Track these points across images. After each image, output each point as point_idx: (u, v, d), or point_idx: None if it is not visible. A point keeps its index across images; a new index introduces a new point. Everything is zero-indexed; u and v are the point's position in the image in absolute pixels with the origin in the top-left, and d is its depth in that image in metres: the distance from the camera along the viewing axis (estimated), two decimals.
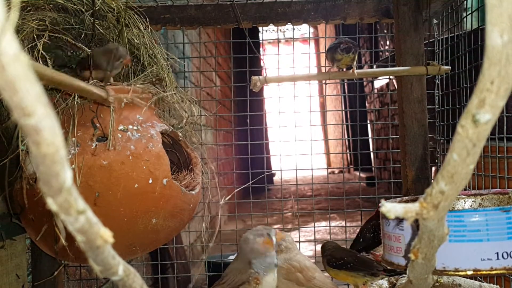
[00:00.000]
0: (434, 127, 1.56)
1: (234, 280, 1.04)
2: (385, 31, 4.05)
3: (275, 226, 1.21)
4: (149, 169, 0.93)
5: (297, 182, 1.65)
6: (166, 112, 1.13)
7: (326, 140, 8.08)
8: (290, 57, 1.61)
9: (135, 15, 1.14)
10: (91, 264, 0.39)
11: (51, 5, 1.05)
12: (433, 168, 1.64)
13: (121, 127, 0.95)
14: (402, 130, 1.26)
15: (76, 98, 0.93)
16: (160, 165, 0.95)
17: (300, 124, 1.74)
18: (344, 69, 1.18)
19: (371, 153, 5.16)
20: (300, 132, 1.71)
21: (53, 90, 0.95)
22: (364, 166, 5.57)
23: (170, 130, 1.06)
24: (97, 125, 0.94)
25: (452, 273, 0.75)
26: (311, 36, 6.72)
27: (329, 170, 6.65)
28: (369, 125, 5.47)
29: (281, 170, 1.67)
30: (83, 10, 1.07)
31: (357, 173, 5.33)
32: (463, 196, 0.98)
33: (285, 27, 1.46)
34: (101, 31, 1.10)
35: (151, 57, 1.13)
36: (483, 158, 1.30)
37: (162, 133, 1.01)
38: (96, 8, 1.06)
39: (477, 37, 1.31)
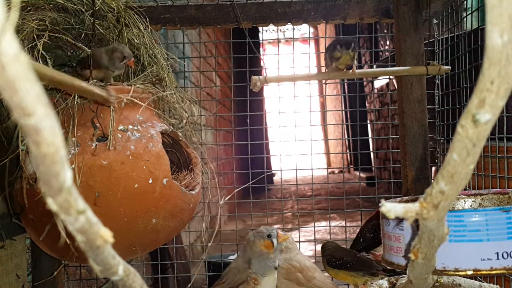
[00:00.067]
0: (434, 127, 1.56)
1: (234, 279, 1.04)
2: (385, 31, 4.05)
3: (275, 226, 1.21)
4: (149, 169, 0.93)
5: (297, 182, 1.65)
6: (166, 112, 1.13)
7: (326, 140, 8.09)
8: (290, 57, 1.61)
9: (135, 15, 1.14)
10: (91, 264, 0.39)
11: (51, 5, 1.05)
12: (433, 168, 1.64)
13: (121, 127, 0.95)
14: (402, 130, 1.26)
15: (76, 98, 0.93)
16: (160, 165, 0.95)
17: (300, 124, 1.74)
18: (344, 70, 1.16)
19: (371, 153, 5.16)
20: (300, 132, 1.71)
21: (53, 90, 0.95)
22: (364, 166, 5.57)
23: (170, 130, 1.06)
24: (97, 125, 0.94)
25: (452, 273, 0.75)
26: (311, 36, 6.72)
27: (329, 170, 6.65)
28: (369, 125, 5.47)
29: (281, 170, 1.67)
30: (83, 10, 1.07)
31: (357, 173, 5.33)
32: (463, 196, 0.98)
33: (285, 27, 1.46)
34: (101, 31, 1.10)
35: (151, 57, 1.13)
36: (483, 158, 1.30)
37: (162, 133, 1.01)
38: (96, 8, 1.06)
39: (477, 37, 1.31)
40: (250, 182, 1.51)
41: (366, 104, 5.72)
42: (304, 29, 6.86)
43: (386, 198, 1.03)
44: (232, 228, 1.89)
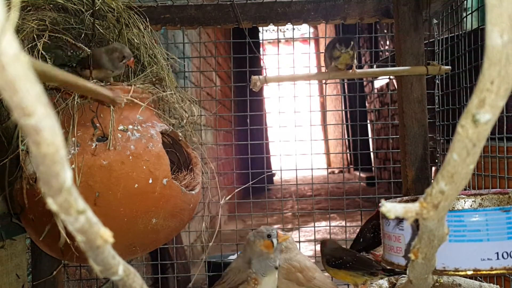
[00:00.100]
0: (434, 127, 1.56)
1: (234, 279, 1.04)
2: (385, 31, 4.05)
3: (275, 226, 1.21)
4: (149, 169, 0.93)
5: (297, 182, 1.65)
6: (166, 112, 1.13)
7: (326, 140, 8.09)
8: (290, 57, 1.61)
9: (135, 15, 1.14)
10: (91, 264, 0.39)
11: (51, 5, 1.05)
12: (433, 168, 1.64)
13: (121, 127, 0.95)
14: (402, 130, 1.26)
15: (76, 98, 0.93)
16: (160, 165, 0.95)
17: (300, 124, 1.74)
18: (344, 69, 1.16)
19: (371, 153, 5.16)
20: (300, 132, 1.71)
21: (53, 90, 0.95)
22: (364, 166, 5.57)
23: (170, 130, 1.06)
24: (97, 125, 0.94)
25: (452, 273, 0.75)
26: (311, 36, 6.72)
27: (329, 170, 6.65)
28: (369, 125, 5.47)
29: (281, 170, 1.67)
30: (83, 10, 1.07)
31: (357, 173, 5.33)
32: (463, 196, 0.98)
33: (285, 27, 1.46)
34: (101, 31, 1.10)
35: (151, 57, 1.13)
36: (483, 158, 1.30)
37: (162, 133, 1.01)
38: (96, 8, 1.06)
39: (477, 37, 1.31)
40: (250, 182, 1.51)
41: (366, 104, 5.72)
42: (304, 29, 6.86)
43: (386, 198, 1.03)
44: (232, 228, 1.89)
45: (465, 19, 1.41)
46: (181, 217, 1.02)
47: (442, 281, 1.01)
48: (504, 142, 1.23)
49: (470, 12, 1.40)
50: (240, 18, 1.35)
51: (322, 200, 3.89)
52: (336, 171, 7.13)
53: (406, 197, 1.07)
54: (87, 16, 1.07)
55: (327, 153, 8.34)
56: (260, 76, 1.15)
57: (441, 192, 0.41)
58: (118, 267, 0.41)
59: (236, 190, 1.50)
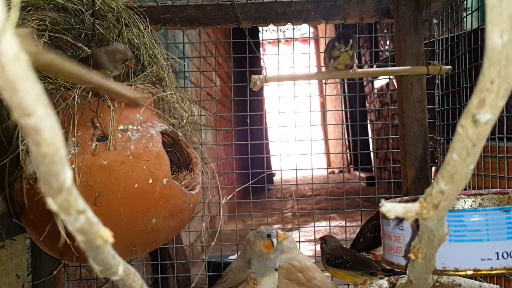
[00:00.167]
0: (434, 127, 1.56)
1: (234, 279, 1.04)
2: (385, 31, 4.05)
3: (275, 226, 1.21)
4: (149, 169, 0.93)
5: (297, 182, 1.65)
6: (166, 112, 1.13)
7: (326, 140, 8.09)
8: (290, 57, 1.61)
9: (135, 15, 1.14)
10: (91, 264, 0.39)
11: (51, 5, 1.05)
12: (433, 168, 1.64)
13: (121, 127, 0.95)
14: (402, 130, 1.26)
15: (76, 98, 0.93)
16: (160, 165, 0.95)
17: (300, 124, 1.74)
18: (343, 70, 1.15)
19: (371, 153, 5.16)
20: (300, 132, 1.71)
21: (53, 90, 0.95)
22: (364, 166, 5.57)
23: (170, 130, 1.06)
24: (97, 125, 0.94)
25: (452, 273, 0.75)
26: (311, 36, 6.72)
27: (329, 170, 6.65)
28: (369, 125, 5.47)
29: (281, 170, 1.67)
30: (83, 10, 1.07)
31: (357, 173, 5.33)
32: (463, 196, 0.98)
33: (285, 27, 1.46)
34: (101, 31, 1.10)
35: (151, 57, 1.13)
36: (483, 158, 1.30)
37: (162, 133, 1.01)
38: (96, 8, 1.06)
39: (477, 37, 1.31)
40: (250, 182, 1.51)
41: (366, 104, 5.72)
42: (304, 29, 6.85)
43: (386, 198, 1.03)
44: (232, 228, 1.89)
45: (465, 19, 1.41)
46: (181, 217, 1.02)
47: (442, 281, 1.01)
48: (504, 142, 1.23)
49: (470, 12, 1.40)
50: (240, 18, 1.35)
51: (322, 200, 3.89)
52: (336, 171, 7.13)
53: (406, 197, 1.07)
54: (87, 16, 1.07)
55: (327, 153, 8.35)
56: (260, 76, 1.15)
57: (441, 192, 0.41)
58: (118, 267, 0.41)
59: (236, 190, 1.50)
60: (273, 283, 1.04)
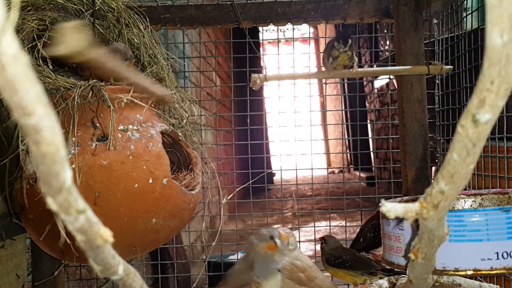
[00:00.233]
0: (434, 127, 1.56)
1: (236, 282, 1.04)
2: (385, 31, 4.05)
3: (275, 226, 1.21)
4: (149, 169, 0.93)
5: (297, 182, 1.65)
6: (166, 112, 1.13)
7: (326, 140, 8.09)
8: (290, 57, 1.61)
9: (135, 15, 1.14)
10: (91, 263, 0.39)
11: (51, 5, 1.05)
12: (433, 168, 1.64)
13: (121, 127, 0.95)
14: (402, 130, 1.26)
15: (76, 98, 0.93)
16: (160, 165, 0.95)
17: (300, 124, 1.74)
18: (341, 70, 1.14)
19: (371, 153, 5.16)
20: (300, 132, 1.71)
21: (53, 90, 0.95)
22: (364, 166, 5.57)
23: (170, 130, 1.06)
24: (97, 125, 0.94)
25: (452, 273, 0.75)
26: (311, 36, 6.72)
27: (329, 170, 6.64)
28: (369, 125, 5.47)
29: (281, 170, 1.67)
30: (83, 10, 1.07)
31: (357, 173, 5.33)
32: (463, 196, 0.98)
33: (285, 27, 1.46)
34: (101, 31, 1.10)
35: (151, 57, 1.13)
36: (483, 158, 1.30)
37: (162, 133, 1.01)
38: (96, 8, 1.06)
39: (477, 37, 1.31)
40: (250, 182, 1.51)
41: (366, 104, 5.72)
42: (304, 29, 6.85)
43: (386, 198, 1.03)
44: (232, 228, 1.89)
45: (465, 19, 1.41)
46: (181, 217, 1.02)
47: (442, 281, 1.01)
48: (504, 142, 1.23)
49: (470, 12, 1.40)
50: (240, 18, 1.35)
51: (322, 200, 3.89)
52: (336, 171, 7.13)
53: (406, 197, 1.07)
54: (87, 16, 1.07)
55: (327, 153, 8.35)
56: (260, 75, 1.15)
57: (441, 192, 0.41)
58: (118, 266, 0.41)
59: (236, 190, 1.50)
60: (277, 285, 1.04)
